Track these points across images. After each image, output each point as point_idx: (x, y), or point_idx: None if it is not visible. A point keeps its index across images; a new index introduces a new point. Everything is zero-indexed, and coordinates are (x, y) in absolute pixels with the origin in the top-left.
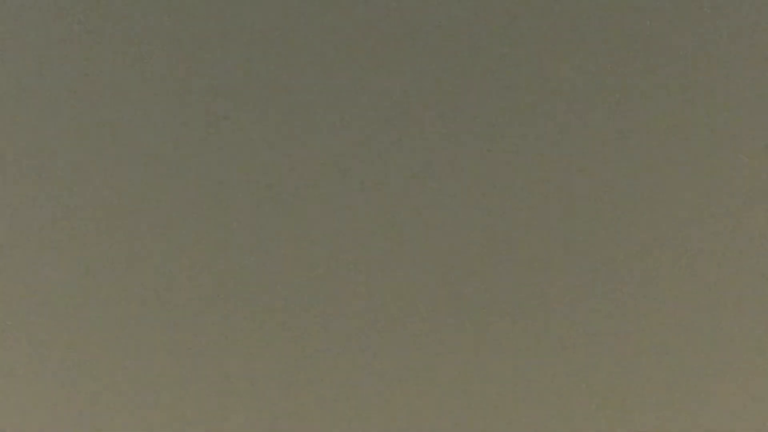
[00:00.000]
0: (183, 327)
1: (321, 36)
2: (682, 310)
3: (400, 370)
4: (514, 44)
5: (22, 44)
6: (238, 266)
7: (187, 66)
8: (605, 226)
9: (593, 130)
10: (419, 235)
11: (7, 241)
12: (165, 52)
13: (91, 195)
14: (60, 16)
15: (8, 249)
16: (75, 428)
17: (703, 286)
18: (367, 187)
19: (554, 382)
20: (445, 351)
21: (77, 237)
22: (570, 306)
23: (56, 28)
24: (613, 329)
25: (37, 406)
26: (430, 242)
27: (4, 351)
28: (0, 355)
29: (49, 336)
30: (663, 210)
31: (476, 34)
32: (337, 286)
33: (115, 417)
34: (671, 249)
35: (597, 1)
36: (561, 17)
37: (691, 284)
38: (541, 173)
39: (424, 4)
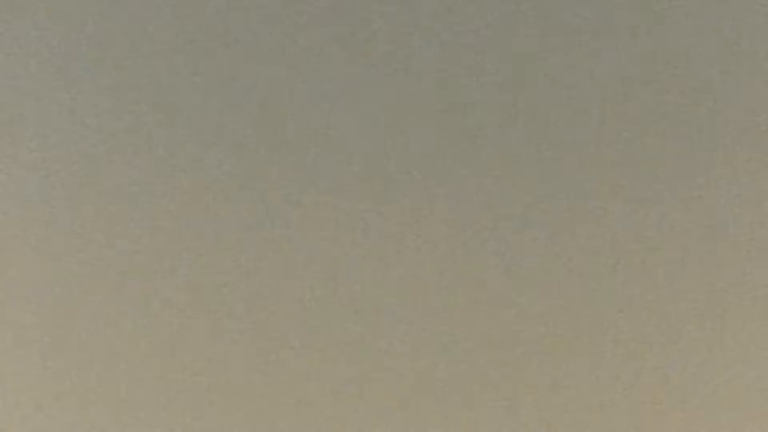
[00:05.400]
0: (182, 329)
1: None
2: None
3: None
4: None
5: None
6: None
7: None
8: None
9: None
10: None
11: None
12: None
13: (90, 195)
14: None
15: (7, 250)
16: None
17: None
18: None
19: (557, 384)
20: (446, 353)
21: (77, 239)
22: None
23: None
24: (617, 333)
25: (37, 406)
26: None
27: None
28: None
29: (47, 337)
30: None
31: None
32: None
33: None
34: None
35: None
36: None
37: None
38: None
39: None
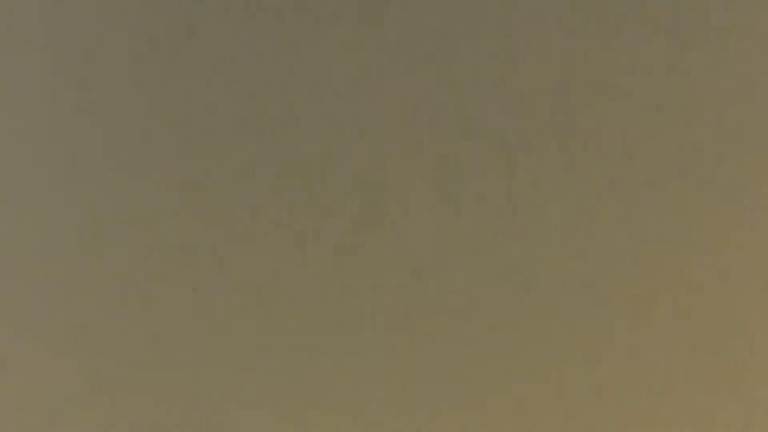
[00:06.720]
0: (181, 328)
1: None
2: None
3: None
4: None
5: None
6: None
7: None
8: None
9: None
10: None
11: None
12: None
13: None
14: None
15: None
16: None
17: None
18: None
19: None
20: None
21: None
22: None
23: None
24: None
25: (37, 406)
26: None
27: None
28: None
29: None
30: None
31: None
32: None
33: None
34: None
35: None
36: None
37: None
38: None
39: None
